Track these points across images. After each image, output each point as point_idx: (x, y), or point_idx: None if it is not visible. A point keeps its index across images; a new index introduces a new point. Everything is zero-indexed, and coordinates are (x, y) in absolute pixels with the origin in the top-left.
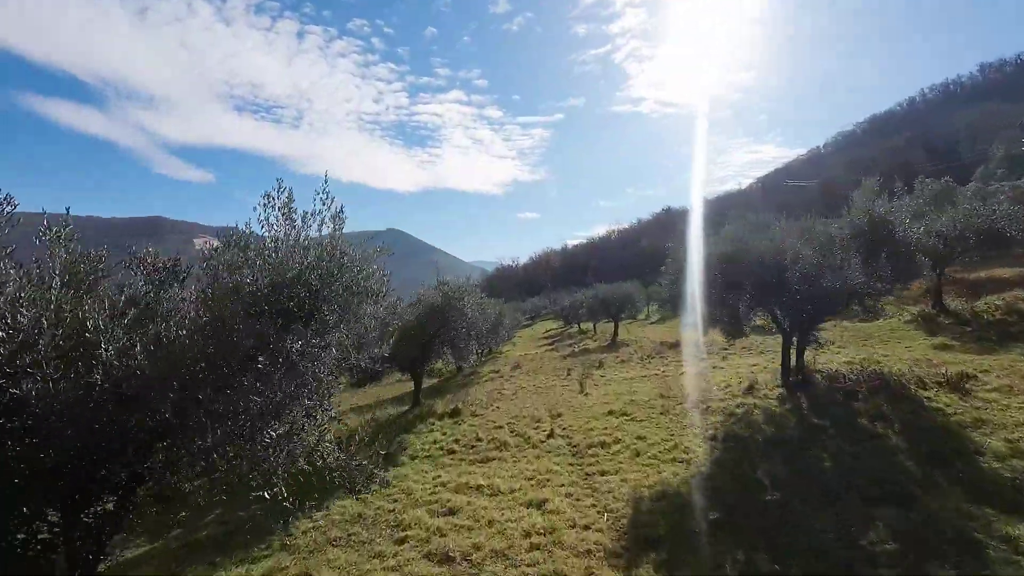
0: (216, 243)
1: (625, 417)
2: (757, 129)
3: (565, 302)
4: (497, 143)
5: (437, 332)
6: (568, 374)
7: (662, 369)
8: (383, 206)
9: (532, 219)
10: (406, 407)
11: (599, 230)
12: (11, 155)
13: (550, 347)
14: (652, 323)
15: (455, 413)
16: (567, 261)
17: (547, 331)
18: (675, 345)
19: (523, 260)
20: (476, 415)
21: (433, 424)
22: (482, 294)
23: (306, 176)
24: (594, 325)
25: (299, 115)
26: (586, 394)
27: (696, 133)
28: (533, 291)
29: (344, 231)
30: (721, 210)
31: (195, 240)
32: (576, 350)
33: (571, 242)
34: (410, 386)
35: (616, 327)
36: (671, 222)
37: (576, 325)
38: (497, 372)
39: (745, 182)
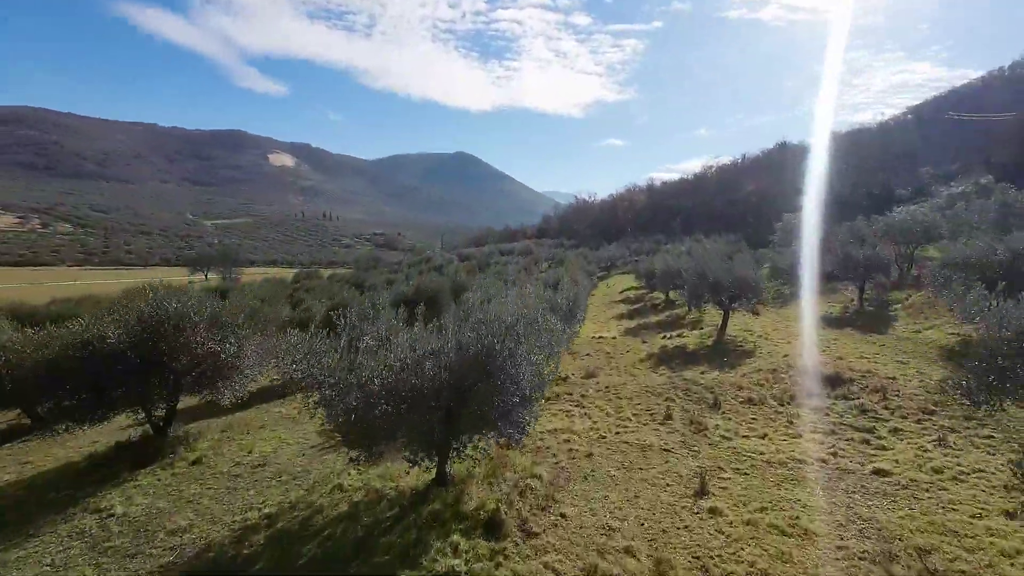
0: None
1: None
2: (913, 42)
3: (655, 266)
4: (582, 56)
5: (470, 394)
6: (667, 418)
7: (831, 444)
8: (454, 126)
9: (615, 147)
10: (428, 479)
11: (693, 165)
12: (107, 64)
13: (630, 324)
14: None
15: (493, 526)
16: (653, 201)
17: (624, 291)
18: (833, 381)
19: (601, 196)
20: (529, 533)
21: (457, 547)
22: (552, 317)
23: (377, 91)
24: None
25: (371, 21)
26: (712, 509)
27: (831, 44)
28: (610, 235)
29: (412, 153)
30: (853, 149)
31: (269, 156)
32: (668, 345)
33: (658, 176)
34: None
35: (726, 318)
36: (787, 162)
37: (665, 293)
38: (565, 381)
39: (888, 112)
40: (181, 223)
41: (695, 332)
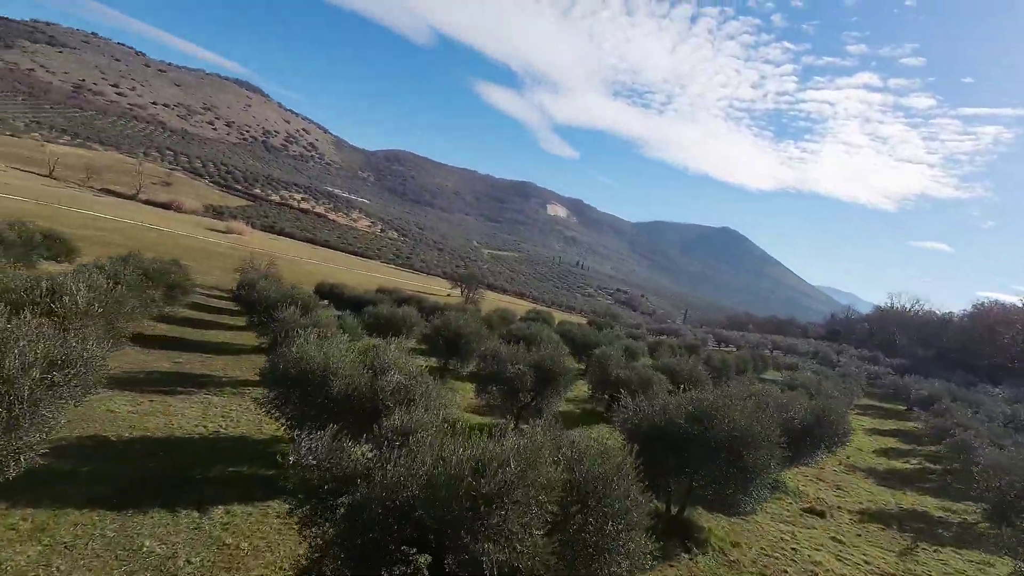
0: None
1: None
2: None
3: None
4: (911, 143)
5: None
6: None
7: None
8: (725, 202)
9: (936, 251)
10: None
11: None
12: (468, 129)
13: None
14: None
15: None
16: None
17: None
18: None
19: (930, 305)
20: None
21: None
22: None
23: (653, 160)
24: None
25: (668, 100)
26: None
27: None
28: (965, 364)
29: (669, 220)
30: None
31: (548, 205)
32: None
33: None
34: None
35: None
36: None
37: None
38: None
39: None
40: (467, 248)
41: None
